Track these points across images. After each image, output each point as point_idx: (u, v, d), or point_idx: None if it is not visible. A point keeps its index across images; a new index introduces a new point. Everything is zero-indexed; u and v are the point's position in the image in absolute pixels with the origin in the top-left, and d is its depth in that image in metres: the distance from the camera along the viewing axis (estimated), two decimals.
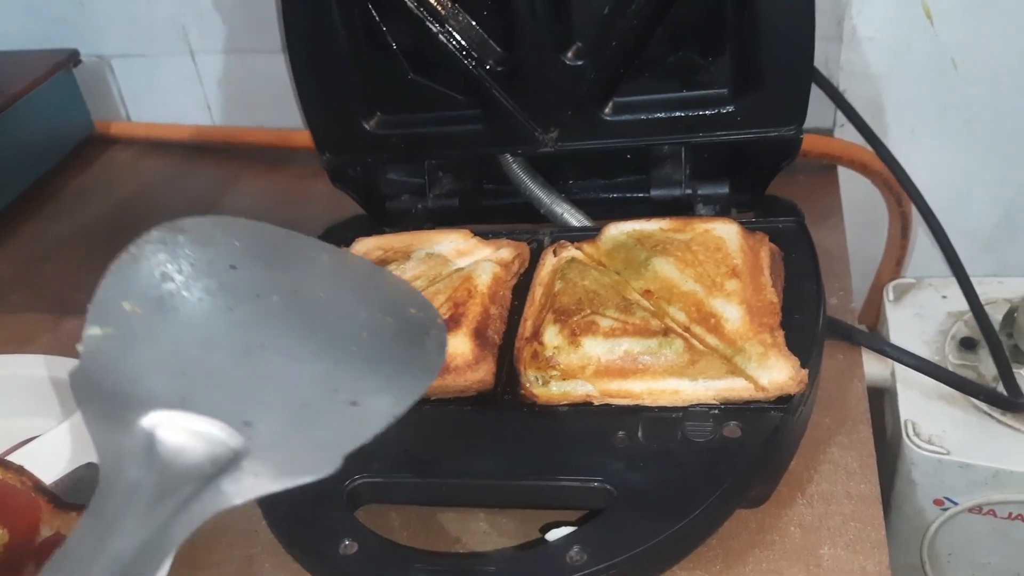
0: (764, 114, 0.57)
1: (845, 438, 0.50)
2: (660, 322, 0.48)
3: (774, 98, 0.56)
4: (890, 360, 0.62)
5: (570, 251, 0.56)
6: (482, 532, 0.47)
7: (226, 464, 0.34)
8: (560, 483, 0.43)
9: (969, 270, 0.61)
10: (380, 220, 0.66)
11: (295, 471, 0.34)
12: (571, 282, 0.52)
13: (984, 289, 0.65)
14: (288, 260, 0.44)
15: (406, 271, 0.56)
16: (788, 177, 0.60)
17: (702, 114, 0.58)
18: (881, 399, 0.69)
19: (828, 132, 0.76)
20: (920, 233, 0.81)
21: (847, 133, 0.73)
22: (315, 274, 0.44)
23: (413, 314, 0.44)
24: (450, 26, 0.59)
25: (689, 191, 0.60)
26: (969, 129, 0.74)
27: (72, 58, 0.89)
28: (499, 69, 0.59)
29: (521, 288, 0.55)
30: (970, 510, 0.62)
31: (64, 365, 0.57)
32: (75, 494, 0.48)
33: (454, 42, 0.59)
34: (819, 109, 0.71)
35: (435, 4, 0.58)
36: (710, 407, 0.45)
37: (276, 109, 0.86)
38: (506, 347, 0.51)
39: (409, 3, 0.58)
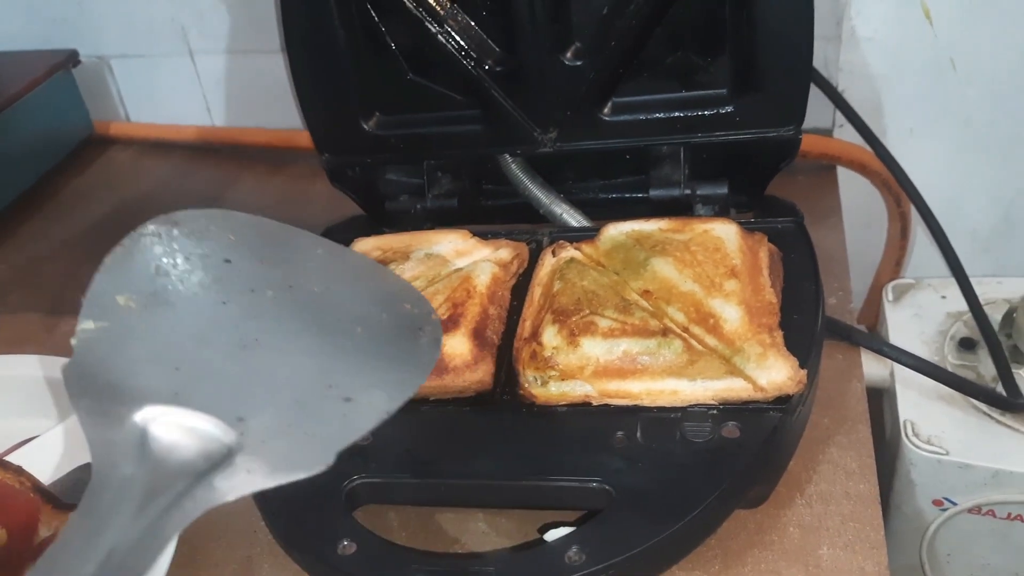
0: (763, 114, 0.57)
1: (844, 438, 0.50)
2: (659, 322, 0.48)
3: (773, 98, 0.56)
4: (889, 360, 0.62)
5: (569, 251, 0.56)
6: (481, 532, 0.47)
7: (219, 460, 0.34)
8: (558, 483, 0.43)
9: (968, 270, 0.61)
10: (379, 220, 0.66)
11: (288, 467, 0.34)
12: (570, 282, 0.52)
13: (983, 289, 0.65)
14: (283, 254, 0.44)
15: (405, 271, 0.56)
16: (787, 177, 0.60)
17: (701, 114, 0.58)
18: (880, 399, 0.69)
19: (827, 132, 0.76)
20: (919, 233, 0.81)
21: (846, 133, 0.73)
22: (310, 268, 0.44)
23: (408, 310, 0.44)
24: (449, 26, 0.59)
25: (688, 191, 0.60)
26: (968, 129, 0.74)
27: (71, 58, 0.89)
28: (498, 69, 0.59)
29: (520, 288, 0.55)
30: (969, 510, 0.62)
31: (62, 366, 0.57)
32: (73, 495, 0.48)
33: (453, 42, 0.59)
34: (818, 109, 0.71)
35: (434, 4, 0.58)
36: (709, 407, 0.45)
37: (275, 109, 0.86)
38: (505, 347, 0.51)
39: (408, 3, 0.58)
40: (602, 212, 0.62)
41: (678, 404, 0.46)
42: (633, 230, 0.55)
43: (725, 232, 0.53)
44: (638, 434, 0.44)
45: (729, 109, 0.58)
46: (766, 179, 0.60)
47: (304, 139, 0.77)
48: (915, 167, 0.65)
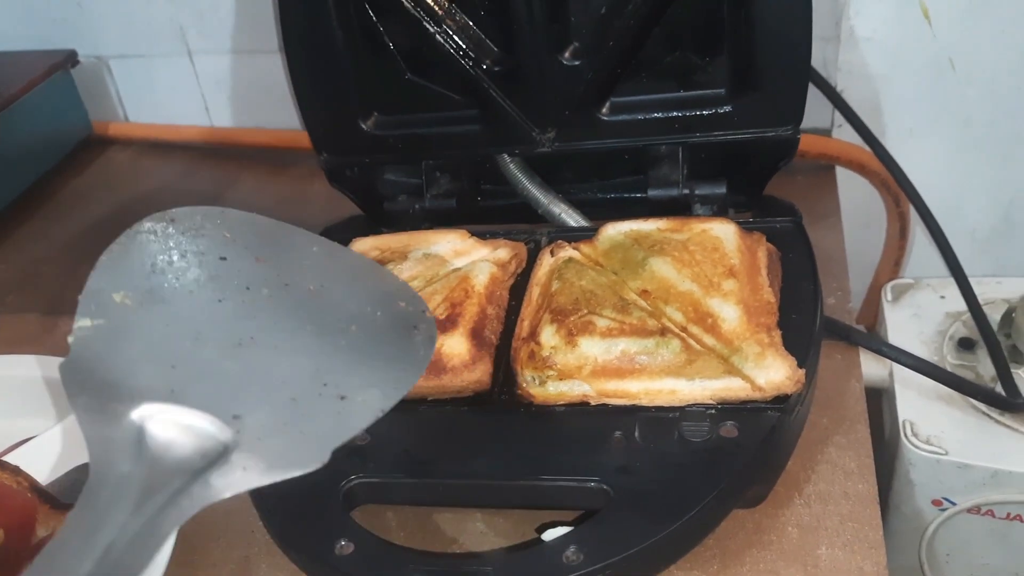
0: (761, 114, 0.57)
1: (843, 438, 0.50)
2: (657, 322, 0.48)
3: (771, 98, 0.56)
4: (888, 360, 0.62)
5: (567, 251, 0.56)
6: (479, 532, 0.47)
7: (215, 458, 0.34)
8: (557, 483, 0.43)
9: (967, 270, 0.61)
10: (378, 220, 0.66)
11: (284, 465, 0.34)
12: (568, 282, 0.52)
13: (982, 289, 0.65)
14: (278, 252, 0.44)
15: (403, 271, 0.56)
16: (786, 177, 0.60)
17: (699, 114, 0.58)
18: (879, 399, 0.68)
19: (826, 132, 0.76)
20: (918, 233, 0.81)
21: (845, 133, 0.73)
22: (305, 266, 0.44)
23: (402, 308, 0.44)
24: (447, 26, 0.59)
25: (686, 191, 0.60)
26: (967, 129, 0.74)
27: (70, 59, 0.89)
28: (496, 69, 0.59)
29: (518, 288, 0.55)
30: (968, 510, 0.62)
31: None
32: (71, 495, 0.48)
33: (451, 42, 0.59)
34: (817, 109, 0.71)
35: (432, 4, 0.58)
36: (707, 407, 0.45)
37: (274, 110, 0.86)
38: (503, 347, 0.51)
39: (406, 3, 0.58)
40: (600, 212, 0.62)
41: (676, 404, 0.46)
42: (631, 230, 0.55)
43: (723, 232, 0.53)
44: (636, 434, 0.44)
45: (727, 109, 0.58)
46: (764, 179, 0.60)
47: (303, 140, 0.77)
48: (914, 167, 0.65)
